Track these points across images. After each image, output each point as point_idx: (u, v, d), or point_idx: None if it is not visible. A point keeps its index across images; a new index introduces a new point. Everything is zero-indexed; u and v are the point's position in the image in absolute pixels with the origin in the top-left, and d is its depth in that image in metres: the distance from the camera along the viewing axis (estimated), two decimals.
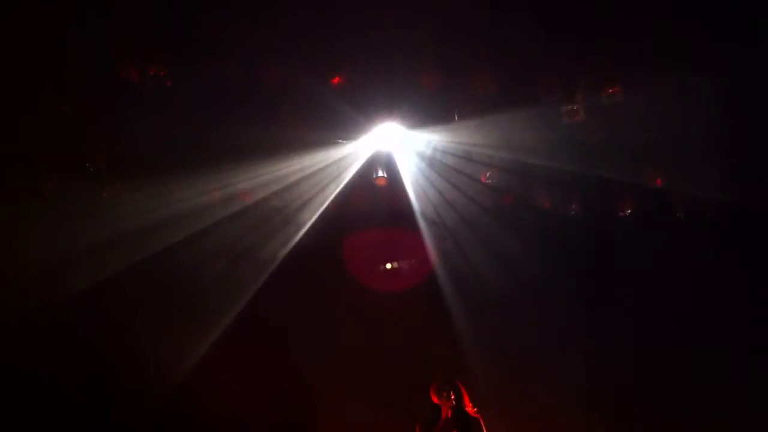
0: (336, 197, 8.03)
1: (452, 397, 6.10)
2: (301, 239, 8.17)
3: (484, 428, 6.09)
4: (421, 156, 7.90)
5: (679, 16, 6.30)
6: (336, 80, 6.90)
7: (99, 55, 6.31)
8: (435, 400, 6.17)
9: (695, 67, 6.49)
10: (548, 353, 8.00)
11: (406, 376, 7.67)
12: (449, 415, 6.06)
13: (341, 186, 7.99)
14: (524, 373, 8.01)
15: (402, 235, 8.40)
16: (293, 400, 8.04)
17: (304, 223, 8.14)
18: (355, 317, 8.22)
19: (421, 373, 6.79)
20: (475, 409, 6.17)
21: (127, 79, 6.43)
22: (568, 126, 7.18)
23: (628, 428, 7.81)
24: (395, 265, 8.74)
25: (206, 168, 7.45)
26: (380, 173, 7.89)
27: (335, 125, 7.34)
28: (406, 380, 7.48)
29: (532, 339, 8.03)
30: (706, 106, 6.73)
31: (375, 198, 8.14)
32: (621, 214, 8.00)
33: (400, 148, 7.79)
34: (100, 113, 6.77)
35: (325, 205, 8.07)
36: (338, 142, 7.65)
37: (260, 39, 6.48)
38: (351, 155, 7.84)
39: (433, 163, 7.93)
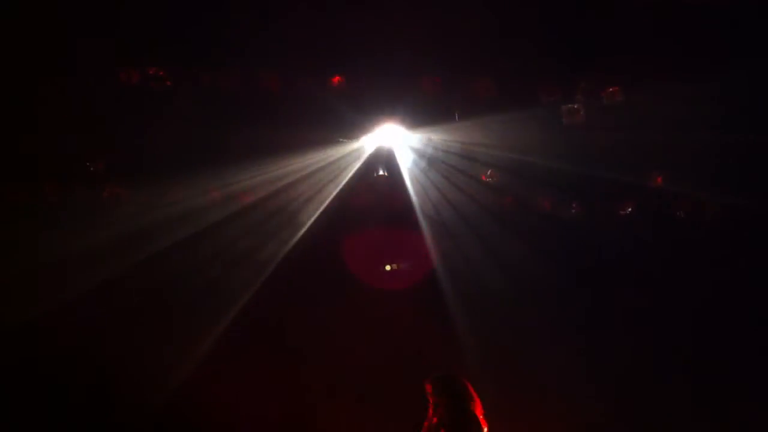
0: (336, 196, 8.04)
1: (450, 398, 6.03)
2: (301, 239, 8.18)
3: (483, 430, 6.04)
4: (422, 155, 7.90)
5: (680, 18, 6.29)
6: (337, 80, 6.90)
7: (99, 57, 6.32)
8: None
9: (695, 68, 6.48)
10: (548, 354, 7.99)
11: (406, 377, 7.64)
12: (448, 418, 5.99)
13: (342, 185, 8.00)
14: (524, 373, 8.00)
15: (402, 234, 8.40)
16: (292, 402, 8.04)
17: (305, 223, 8.14)
18: (354, 318, 8.20)
19: (421, 375, 6.77)
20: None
21: (127, 81, 6.44)
22: (568, 126, 7.18)
23: (629, 429, 7.82)
24: (395, 266, 8.72)
25: (207, 168, 7.45)
26: (381, 172, 7.90)
27: (337, 125, 7.36)
28: (407, 382, 7.45)
29: (532, 340, 8.02)
30: (706, 107, 6.72)
31: (375, 197, 8.15)
32: (621, 213, 8.00)
33: (401, 147, 7.80)
34: (99, 115, 6.78)
35: (325, 204, 8.08)
36: (340, 141, 7.65)
37: (263, 41, 6.48)
38: (352, 154, 7.84)
39: (433, 162, 7.93)
